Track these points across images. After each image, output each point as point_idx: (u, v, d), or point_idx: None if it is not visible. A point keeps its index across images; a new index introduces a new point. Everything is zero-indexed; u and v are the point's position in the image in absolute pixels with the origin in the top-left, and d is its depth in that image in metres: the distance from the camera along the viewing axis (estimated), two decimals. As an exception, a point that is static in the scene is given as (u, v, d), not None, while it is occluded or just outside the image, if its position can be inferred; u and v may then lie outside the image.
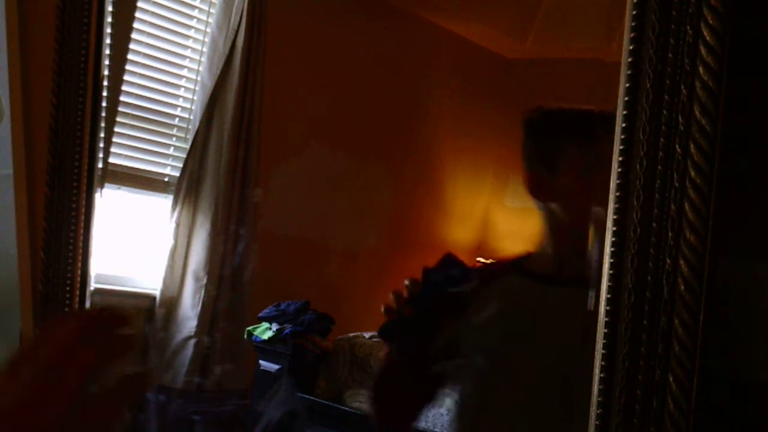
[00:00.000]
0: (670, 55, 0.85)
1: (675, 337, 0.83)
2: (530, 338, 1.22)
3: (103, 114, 1.41)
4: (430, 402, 1.39)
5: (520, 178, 1.52)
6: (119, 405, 0.61)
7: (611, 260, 0.87)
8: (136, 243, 1.86)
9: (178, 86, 1.89)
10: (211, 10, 1.88)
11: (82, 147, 1.39)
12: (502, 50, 1.68)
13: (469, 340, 1.26)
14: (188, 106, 1.89)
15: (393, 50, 1.78)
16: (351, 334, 1.80)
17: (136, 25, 1.73)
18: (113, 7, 1.41)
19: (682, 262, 0.83)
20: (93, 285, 1.42)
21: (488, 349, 1.25)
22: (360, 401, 1.70)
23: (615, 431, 0.87)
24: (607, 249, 0.88)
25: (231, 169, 1.83)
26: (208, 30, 1.87)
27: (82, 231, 1.39)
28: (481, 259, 1.50)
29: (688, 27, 0.84)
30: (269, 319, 1.83)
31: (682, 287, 0.83)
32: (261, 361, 1.84)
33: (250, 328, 1.85)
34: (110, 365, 0.61)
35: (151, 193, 1.87)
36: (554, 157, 1.24)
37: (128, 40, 1.64)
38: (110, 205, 1.57)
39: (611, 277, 0.87)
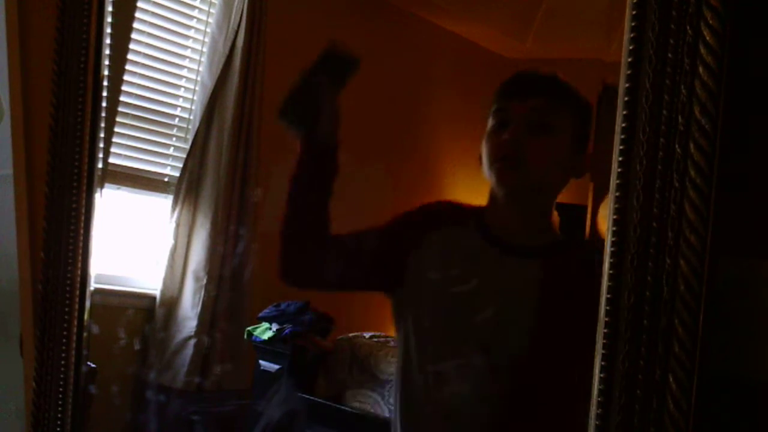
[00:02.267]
0: (670, 55, 0.85)
1: (675, 337, 0.83)
2: (476, 307, 1.24)
3: (103, 114, 1.41)
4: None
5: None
6: None
7: (611, 260, 0.87)
8: (136, 243, 1.86)
9: (178, 86, 1.89)
10: (211, 10, 1.88)
11: (82, 147, 1.39)
12: (502, 50, 1.68)
13: (410, 292, 1.29)
14: (188, 106, 1.89)
15: (393, 50, 1.78)
16: (351, 334, 1.79)
17: (136, 25, 1.73)
18: (113, 7, 1.41)
19: (682, 262, 0.83)
20: (93, 285, 1.42)
21: (430, 307, 1.28)
22: (360, 401, 1.70)
23: (615, 431, 0.87)
24: (607, 249, 0.88)
25: (231, 169, 1.83)
26: (208, 30, 1.87)
27: (82, 231, 1.39)
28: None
29: (688, 27, 0.84)
30: (269, 319, 1.83)
31: (682, 287, 0.83)
32: (261, 361, 1.83)
33: (250, 328, 1.84)
34: None
35: (151, 193, 1.87)
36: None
37: (128, 40, 1.64)
38: (110, 205, 1.57)
39: (611, 277, 0.87)
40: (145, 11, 1.79)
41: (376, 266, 1.36)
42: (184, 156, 1.85)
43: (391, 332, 1.83)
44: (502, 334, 1.21)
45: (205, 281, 1.83)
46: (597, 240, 1.08)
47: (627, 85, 0.87)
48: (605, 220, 0.88)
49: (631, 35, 0.87)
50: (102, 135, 1.42)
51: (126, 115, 1.77)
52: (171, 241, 1.84)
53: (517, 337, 1.19)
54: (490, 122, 1.26)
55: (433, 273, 1.29)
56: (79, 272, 1.39)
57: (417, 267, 1.29)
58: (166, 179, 1.87)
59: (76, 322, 1.40)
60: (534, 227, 1.26)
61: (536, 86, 1.25)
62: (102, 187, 1.43)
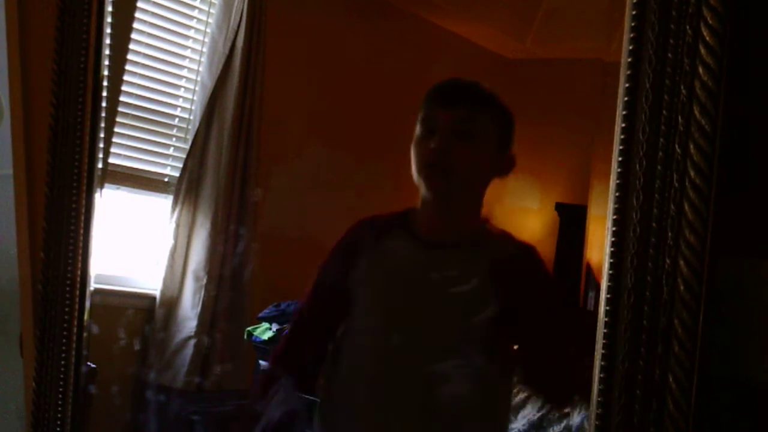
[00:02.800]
0: (669, 55, 0.85)
1: (675, 337, 0.83)
2: (414, 302, 1.31)
3: (103, 114, 1.41)
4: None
5: (520, 177, 1.52)
6: None
7: (611, 260, 0.87)
8: (136, 243, 1.86)
9: (178, 86, 1.89)
10: (211, 10, 1.88)
11: (82, 147, 1.39)
12: (502, 50, 1.68)
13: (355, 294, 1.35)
14: (188, 106, 1.88)
15: (393, 50, 1.78)
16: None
17: (136, 25, 1.73)
18: (113, 7, 1.41)
19: (682, 262, 0.83)
20: (93, 285, 1.42)
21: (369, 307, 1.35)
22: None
23: (615, 431, 0.87)
24: (607, 249, 0.88)
25: (231, 169, 1.83)
26: (208, 30, 1.87)
27: (82, 231, 1.39)
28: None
29: (688, 27, 0.84)
30: (269, 320, 1.83)
31: (682, 287, 0.83)
32: (261, 361, 1.83)
33: (250, 328, 1.84)
34: None
35: (151, 193, 1.87)
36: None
37: (128, 40, 1.64)
38: (110, 205, 1.57)
39: (611, 277, 0.87)
40: (145, 11, 1.79)
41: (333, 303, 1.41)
42: (184, 156, 1.85)
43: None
44: (430, 319, 1.29)
45: (205, 281, 1.83)
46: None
47: (627, 85, 0.87)
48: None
49: (631, 35, 0.87)
50: (102, 135, 1.42)
51: (126, 115, 1.77)
52: (171, 241, 1.84)
53: (445, 319, 1.28)
54: (418, 129, 1.34)
55: (368, 278, 1.36)
56: (79, 272, 1.39)
57: (355, 282, 1.36)
58: (166, 179, 1.87)
59: (76, 322, 1.40)
60: (460, 222, 1.35)
61: (460, 95, 1.33)
62: (102, 187, 1.43)
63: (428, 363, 1.26)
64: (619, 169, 0.87)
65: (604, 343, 0.87)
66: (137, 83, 1.80)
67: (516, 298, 1.23)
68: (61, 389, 1.39)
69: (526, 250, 1.31)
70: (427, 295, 1.31)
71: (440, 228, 1.35)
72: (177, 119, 1.89)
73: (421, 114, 1.34)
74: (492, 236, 1.34)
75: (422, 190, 1.33)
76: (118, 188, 1.76)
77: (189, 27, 1.89)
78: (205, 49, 1.87)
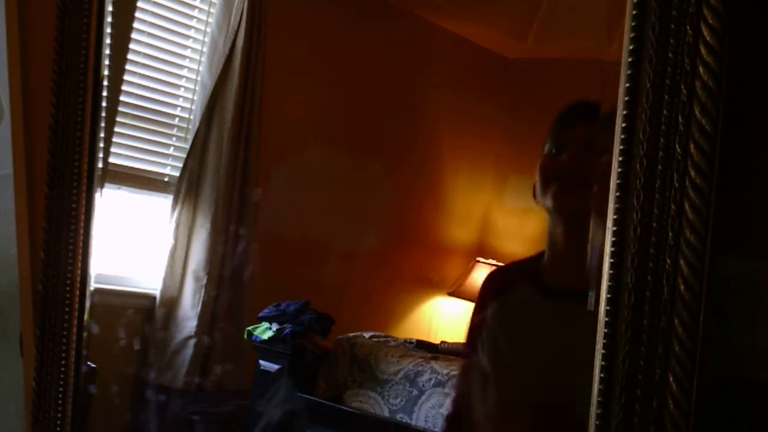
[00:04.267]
0: (670, 55, 0.85)
1: (675, 337, 0.83)
2: (537, 355, 1.18)
3: (103, 114, 1.41)
4: None
5: (520, 177, 1.52)
6: None
7: (611, 260, 0.87)
8: (136, 243, 1.86)
9: (178, 86, 1.90)
10: (211, 10, 1.88)
11: (82, 147, 1.39)
12: (502, 50, 1.68)
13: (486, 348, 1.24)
14: (188, 106, 1.89)
15: (393, 50, 1.78)
16: (351, 334, 1.80)
17: (136, 25, 1.73)
18: (113, 7, 1.41)
19: (682, 262, 0.83)
20: (93, 285, 1.42)
21: (498, 362, 1.22)
22: (360, 401, 1.70)
23: (615, 431, 0.87)
24: (607, 249, 0.88)
25: (231, 169, 1.83)
26: (208, 30, 1.87)
27: (82, 231, 1.39)
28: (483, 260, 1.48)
29: (688, 27, 0.84)
30: (269, 319, 1.83)
31: (682, 287, 0.82)
32: (261, 361, 1.84)
33: (250, 328, 1.85)
34: None
35: (151, 193, 1.87)
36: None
37: (128, 40, 1.64)
38: (110, 205, 1.57)
39: (611, 277, 0.87)
40: (145, 11, 1.79)
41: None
42: (184, 156, 1.85)
43: (391, 332, 1.83)
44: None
45: (205, 281, 1.83)
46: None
47: (627, 85, 0.87)
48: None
49: (631, 35, 0.87)
50: (102, 135, 1.42)
51: (126, 115, 1.77)
52: (171, 241, 1.84)
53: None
54: (546, 148, 1.20)
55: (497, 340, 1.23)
56: (79, 272, 1.39)
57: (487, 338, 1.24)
58: (166, 179, 1.87)
59: (76, 322, 1.40)
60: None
61: (587, 113, 1.18)
62: (102, 186, 1.43)
63: None
64: (619, 169, 0.87)
65: (604, 343, 0.87)
66: (137, 83, 1.80)
67: None
68: (61, 389, 1.39)
69: None
70: (551, 356, 1.15)
71: (568, 275, 1.14)
72: (177, 119, 1.89)
73: (549, 136, 1.19)
74: None
75: (549, 214, 1.17)
76: (118, 188, 1.76)
77: (189, 27, 1.89)
78: (205, 49, 1.87)
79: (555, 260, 1.17)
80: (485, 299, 1.27)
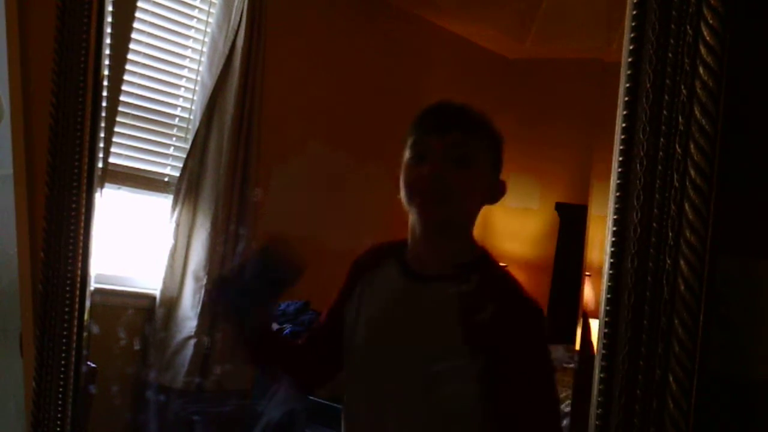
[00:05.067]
0: (670, 55, 0.85)
1: (675, 337, 0.83)
2: (401, 337, 1.24)
3: (103, 114, 1.41)
4: None
5: (520, 177, 1.52)
6: None
7: (611, 260, 0.88)
8: (136, 243, 1.86)
9: (178, 86, 1.90)
10: (211, 10, 1.88)
11: (82, 147, 1.39)
12: (502, 50, 1.68)
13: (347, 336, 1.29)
14: (188, 106, 1.89)
15: (393, 50, 1.78)
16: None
17: (136, 25, 1.73)
18: (113, 7, 1.41)
19: (682, 262, 0.83)
20: (93, 285, 1.42)
21: (360, 345, 1.28)
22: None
23: (615, 431, 0.87)
24: (607, 249, 0.88)
25: (231, 169, 1.83)
26: (208, 30, 1.87)
27: (82, 231, 1.39)
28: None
29: (688, 27, 0.84)
30: (269, 319, 1.82)
31: (682, 287, 0.83)
32: (261, 361, 1.83)
33: (250, 327, 1.84)
34: None
35: (151, 193, 1.87)
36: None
37: (128, 40, 1.65)
38: (110, 205, 1.57)
39: (611, 277, 0.87)
40: (145, 11, 1.79)
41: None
42: (184, 156, 1.85)
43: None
44: (425, 356, 1.20)
45: (205, 281, 1.83)
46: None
47: (627, 85, 0.87)
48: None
49: (631, 35, 0.87)
50: (102, 135, 1.42)
51: (126, 115, 1.77)
52: (171, 241, 1.84)
53: (439, 357, 1.18)
54: (407, 154, 1.26)
55: (359, 313, 1.29)
56: (79, 272, 1.39)
57: (348, 316, 1.30)
58: (166, 179, 1.87)
59: (76, 322, 1.40)
60: (450, 253, 1.25)
61: (452, 120, 1.25)
62: (102, 186, 1.43)
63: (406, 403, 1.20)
64: (619, 169, 0.87)
65: (604, 343, 0.87)
66: (137, 83, 1.80)
67: (497, 357, 1.12)
68: (61, 389, 1.39)
69: (529, 312, 1.18)
70: (403, 330, 1.23)
71: (429, 259, 1.25)
72: (177, 119, 1.89)
73: (410, 139, 1.26)
74: (490, 277, 1.23)
75: (412, 217, 1.25)
76: (118, 188, 1.76)
77: (189, 27, 1.89)
78: (205, 49, 1.87)
79: (415, 249, 1.25)
80: (355, 274, 1.32)
